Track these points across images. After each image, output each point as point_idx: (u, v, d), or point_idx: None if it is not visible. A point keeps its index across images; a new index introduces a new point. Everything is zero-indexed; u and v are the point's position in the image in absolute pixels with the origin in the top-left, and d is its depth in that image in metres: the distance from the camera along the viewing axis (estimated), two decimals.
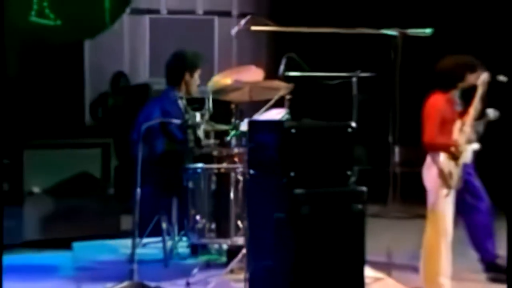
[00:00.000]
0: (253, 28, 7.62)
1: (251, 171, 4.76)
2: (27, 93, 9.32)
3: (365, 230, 4.37)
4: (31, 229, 7.80)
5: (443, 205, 7.08)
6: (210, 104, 6.33)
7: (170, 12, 11.01)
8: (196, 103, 6.37)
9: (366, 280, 5.82)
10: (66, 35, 9.10)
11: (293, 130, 4.28)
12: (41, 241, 7.58)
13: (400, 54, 6.66)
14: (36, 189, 8.01)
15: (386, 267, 6.49)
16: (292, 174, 4.18)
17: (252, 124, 5.31)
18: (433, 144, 7.10)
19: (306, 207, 4.14)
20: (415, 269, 7.34)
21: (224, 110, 6.35)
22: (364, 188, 4.31)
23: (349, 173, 4.32)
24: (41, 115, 9.28)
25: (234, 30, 7.58)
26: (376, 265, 6.33)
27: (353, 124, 4.43)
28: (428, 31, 6.66)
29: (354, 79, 6.78)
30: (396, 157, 6.97)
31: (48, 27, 9.10)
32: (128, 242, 5.74)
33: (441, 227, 7.10)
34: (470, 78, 7.30)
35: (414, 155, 7.74)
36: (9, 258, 6.44)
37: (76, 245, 6.80)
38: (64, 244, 6.83)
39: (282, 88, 5.94)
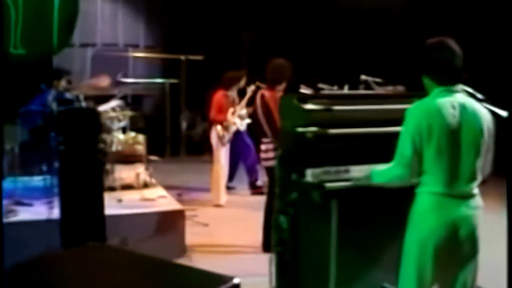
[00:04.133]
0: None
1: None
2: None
3: (103, 169, 4.32)
4: None
5: (220, 152, 7.21)
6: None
7: (103, 45, 10.78)
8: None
9: (153, 197, 5.87)
10: (29, 59, 8.87)
11: (63, 113, 4.27)
12: None
13: (186, 68, 6.72)
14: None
15: (180, 190, 6.52)
16: (60, 138, 4.15)
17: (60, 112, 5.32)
18: (214, 119, 7.18)
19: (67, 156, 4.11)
20: (206, 190, 7.47)
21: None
22: (102, 146, 4.28)
23: (97, 138, 4.28)
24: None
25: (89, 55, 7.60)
26: (171, 189, 6.34)
27: (101, 108, 4.43)
28: (200, 57, 6.74)
29: (167, 84, 6.82)
30: (184, 125, 7.04)
31: (19, 54, 8.89)
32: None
33: (220, 164, 7.23)
34: (240, 84, 7.39)
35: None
36: None
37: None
38: None
39: (109, 88, 5.94)
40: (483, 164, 3.13)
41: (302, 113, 3.62)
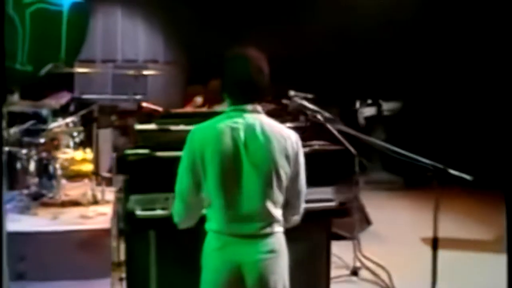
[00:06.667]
0: None
1: None
2: None
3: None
4: None
5: None
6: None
7: (124, 61, 10.95)
8: None
9: (91, 215, 5.74)
10: (35, 76, 9.14)
11: None
12: None
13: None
14: None
15: None
16: None
17: None
18: None
19: None
20: None
21: None
22: None
23: None
24: None
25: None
26: None
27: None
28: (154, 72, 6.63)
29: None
30: None
31: (26, 71, 9.20)
32: None
33: None
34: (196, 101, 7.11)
35: None
36: None
37: None
38: None
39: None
40: (289, 196, 2.73)
41: (136, 134, 3.43)
